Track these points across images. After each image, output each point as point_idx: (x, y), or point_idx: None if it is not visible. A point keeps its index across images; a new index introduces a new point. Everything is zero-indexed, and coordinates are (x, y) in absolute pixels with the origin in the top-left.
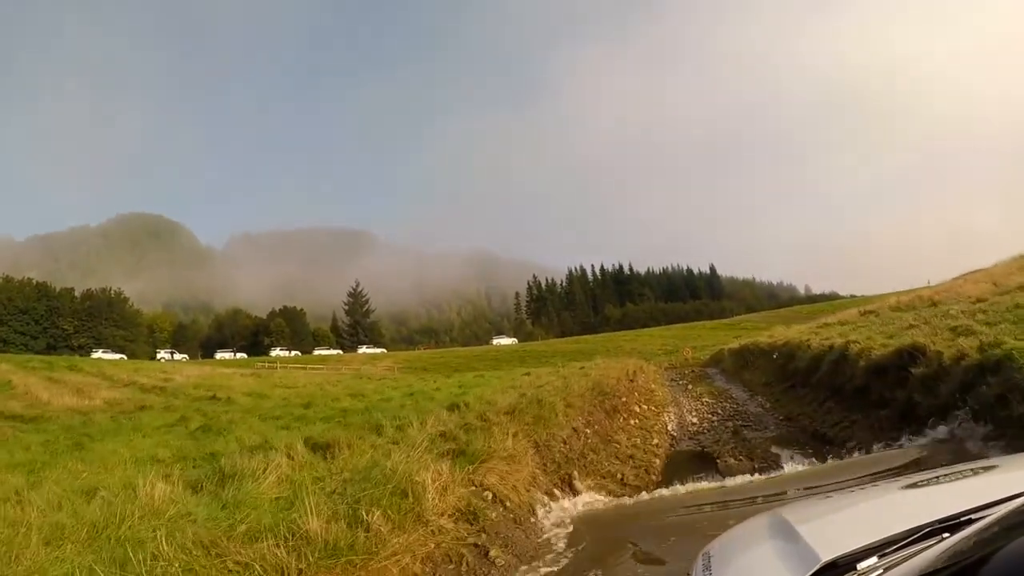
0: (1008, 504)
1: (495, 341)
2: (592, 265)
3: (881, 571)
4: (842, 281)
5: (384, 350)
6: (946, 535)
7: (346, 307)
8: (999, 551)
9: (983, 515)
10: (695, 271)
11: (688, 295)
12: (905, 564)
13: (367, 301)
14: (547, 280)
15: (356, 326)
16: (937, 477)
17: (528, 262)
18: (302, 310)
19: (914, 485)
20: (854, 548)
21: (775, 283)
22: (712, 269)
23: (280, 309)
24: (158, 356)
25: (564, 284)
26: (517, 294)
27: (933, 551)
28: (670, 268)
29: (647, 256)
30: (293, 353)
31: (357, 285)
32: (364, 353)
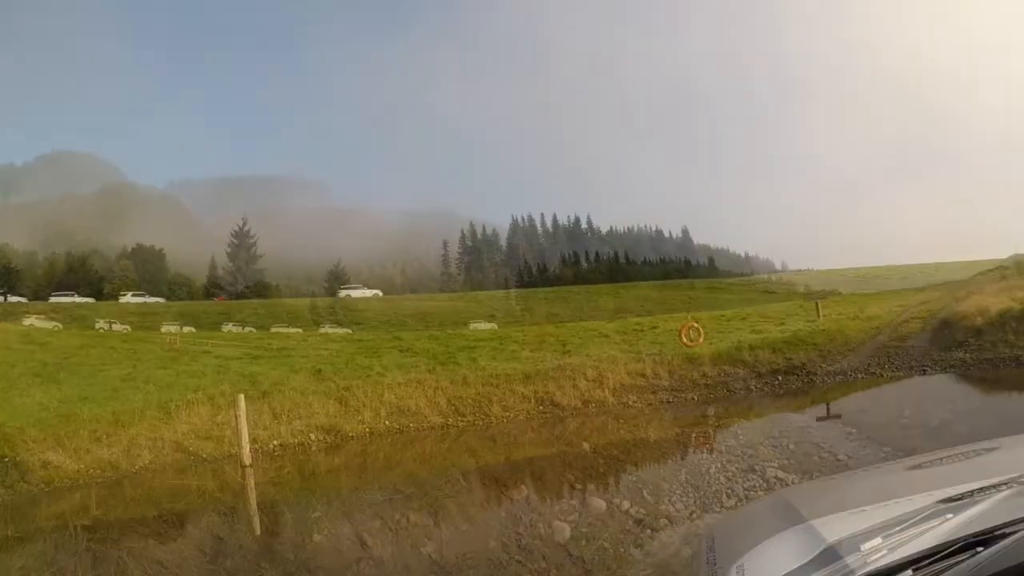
0: (1011, 485)
1: (343, 293)
2: (542, 214)
3: (885, 551)
4: (817, 259)
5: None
6: (949, 516)
7: (229, 250)
8: (1003, 530)
9: (986, 495)
10: (666, 233)
11: (657, 259)
12: (909, 544)
13: (254, 244)
14: (483, 229)
15: (238, 273)
16: (940, 459)
17: (487, 222)
18: (161, 250)
19: (918, 466)
20: (858, 529)
21: (751, 255)
22: (685, 231)
23: (133, 249)
24: None
25: (509, 236)
26: (445, 243)
27: (937, 531)
28: (636, 228)
29: (611, 216)
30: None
31: (244, 224)
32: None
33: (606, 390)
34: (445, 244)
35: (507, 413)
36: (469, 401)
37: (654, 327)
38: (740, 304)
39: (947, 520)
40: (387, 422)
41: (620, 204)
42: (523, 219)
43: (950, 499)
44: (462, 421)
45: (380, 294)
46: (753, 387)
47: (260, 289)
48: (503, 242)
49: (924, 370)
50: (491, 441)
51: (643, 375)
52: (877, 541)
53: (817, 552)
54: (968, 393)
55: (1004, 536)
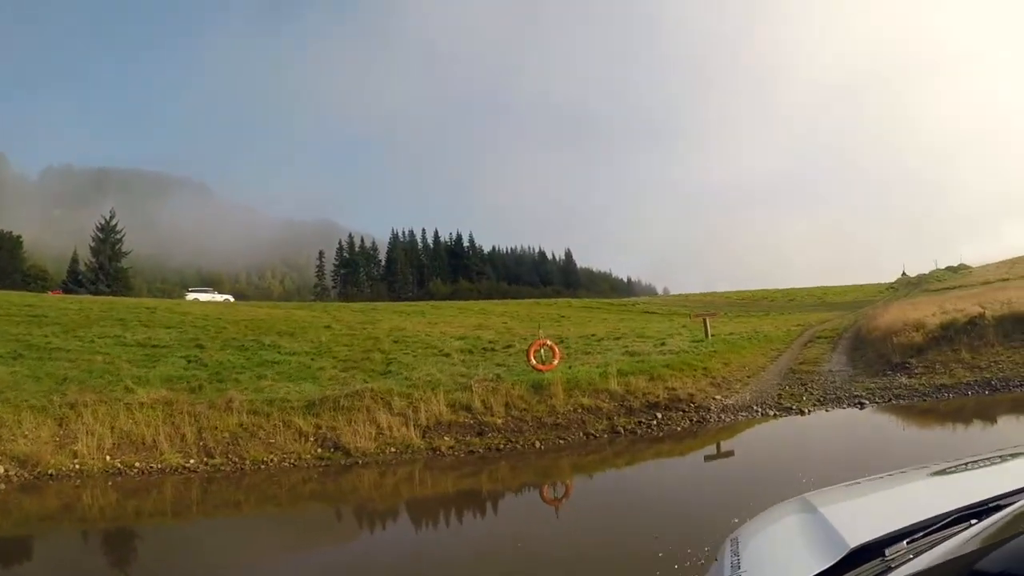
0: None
1: (190, 295)
2: (423, 229)
3: (910, 556)
4: (699, 284)
5: None
6: (974, 521)
7: (93, 244)
8: (997, 502)
9: (1011, 501)
10: (549, 254)
11: (538, 280)
12: (934, 549)
13: (120, 240)
14: (360, 242)
15: (99, 270)
16: (966, 463)
17: (371, 235)
18: (19, 238)
19: (942, 471)
20: (882, 534)
21: (634, 280)
22: (568, 254)
23: None
24: None
25: (388, 249)
26: (321, 253)
27: (961, 536)
28: (519, 248)
29: (495, 235)
30: None
31: (111, 217)
32: None
33: (413, 428)
34: (321, 255)
35: (271, 456)
36: (226, 436)
37: (509, 345)
38: (616, 324)
39: (972, 525)
40: (108, 458)
41: (506, 224)
42: (404, 233)
43: (975, 505)
44: (207, 464)
45: (231, 299)
46: (621, 428)
47: (121, 289)
48: (383, 256)
49: (860, 403)
50: (233, 497)
51: (469, 409)
52: (901, 546)
53: (841, 556)
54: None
55: (998, 508)
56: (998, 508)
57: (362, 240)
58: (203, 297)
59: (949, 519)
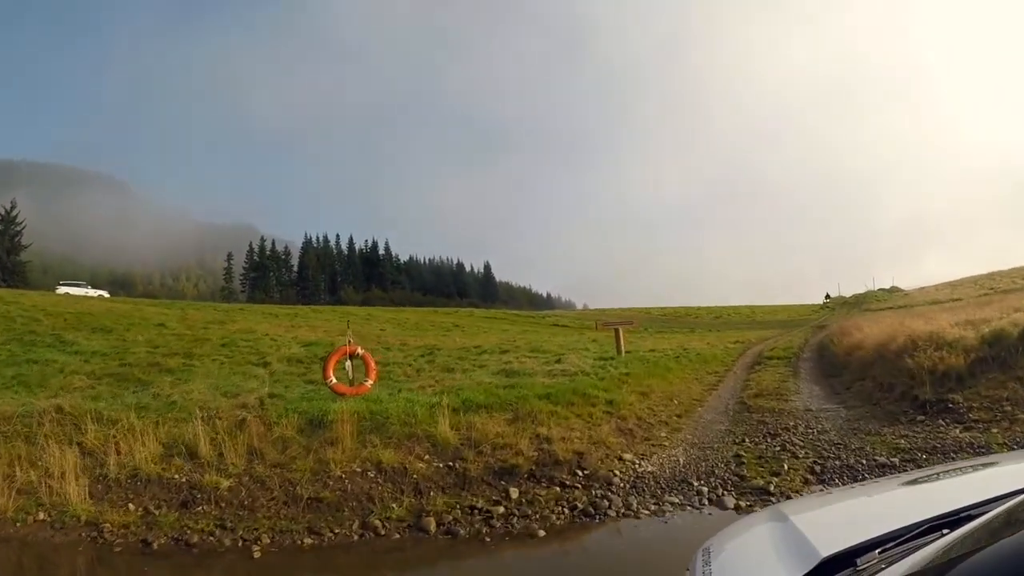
0: (1007, 500)
1: (61, 288)
2: (338, 235)
3: (882, 566)
4: (621, 301)
5: None
6: (946, 531)
7: None
8: (996, 545)
9: (982, 511)
10: (467, 267)
11: (455, 292)
12: (905, 559)
13: (20, 232)
14: (271, 245)
15: None
16: (937, 474)
17: (289, 241)
18: None
19: (914, 481)
20: (854, 543)
21: (554, 295)
22: (487, 267)
23: None
24: None
25: (301, 255)
26: (230, 255)
27: (933, 547)
28: (438, 259)
29: (416, 245)
30: None
31: (11, 208)
32: None
33: (90, 482)
34: (229, 257)
35: None
36: None
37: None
38: (515, 336)
39: (944, 535)
40: None
41: (428, 236)
42: (319, 239)
43: (946, 515)
44: None
45: (106, 295)
46: (433, 519)
47: (18, 283)
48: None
49: None
50: None
51: (194, 455)
52: (873, 555)
53: (812, 566)
54: None
55: (970, 518)
56: (970, 518)
57: (273, 244)
58: (75, 291)
59: (921, 529)
